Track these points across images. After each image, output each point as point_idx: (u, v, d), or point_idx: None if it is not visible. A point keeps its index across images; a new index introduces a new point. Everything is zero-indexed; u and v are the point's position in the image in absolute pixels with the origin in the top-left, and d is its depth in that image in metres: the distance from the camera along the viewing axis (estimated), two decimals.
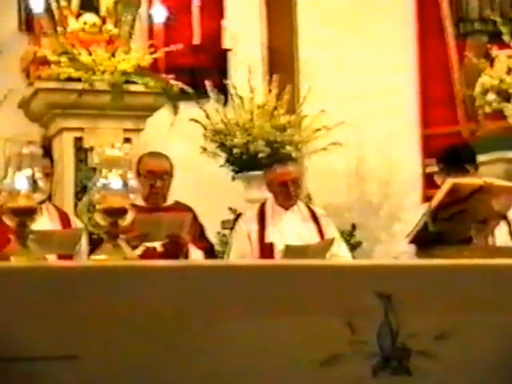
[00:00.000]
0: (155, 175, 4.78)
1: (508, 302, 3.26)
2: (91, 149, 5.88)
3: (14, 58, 6.34)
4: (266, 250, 4.85)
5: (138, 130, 6.16)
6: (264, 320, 3.04)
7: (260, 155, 6.20)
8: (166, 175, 4.84)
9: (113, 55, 6.01)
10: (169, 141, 6.07)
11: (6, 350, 2.86)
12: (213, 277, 3.10)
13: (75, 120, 6.06)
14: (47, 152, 5.70)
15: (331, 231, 4.98)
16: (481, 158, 5.36)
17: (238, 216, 5.75)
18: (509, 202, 4.09)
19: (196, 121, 6.28)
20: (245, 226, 5.00)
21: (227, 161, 6.34)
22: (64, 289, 2.94)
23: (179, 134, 6.24)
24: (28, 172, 3.17)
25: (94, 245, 4.15)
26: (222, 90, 6.58)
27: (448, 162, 4.73)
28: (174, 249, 4.52)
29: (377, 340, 3.11)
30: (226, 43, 6.92)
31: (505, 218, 4.23)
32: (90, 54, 5.95)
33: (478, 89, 6.28)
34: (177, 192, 5.02)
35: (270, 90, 6.42)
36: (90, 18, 6.11)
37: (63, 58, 5.91)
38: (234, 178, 6.39)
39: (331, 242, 4.75)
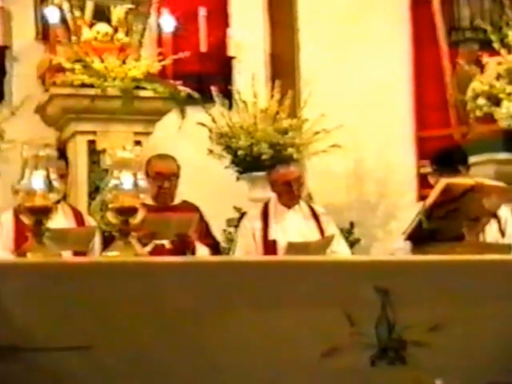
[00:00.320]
0: (163, 176, 4.78)
1: (499, 295, 3.25)
2: (103, 151, 5.88)
3: (30, 66, 6.35)
4: (270, 246, 4.84)
5: (148, 134, 6.16)
6: (267, 313, 3.03)
7: (263, 157, 6.19)
8: (173, 176, 4.84)
9: (124, 62, 6.01)
10: (177, 143, 6.06)
11: (23, 341, 2.86)
12: (219, 272, 3.10)
13: (88, 124, 6.06)
14: (62, 154, 5.70)
15: (331, 229, 4.97)
16: (472, 159, 5.35)
17: (242, 214, 5.75)
18: (499, 201, 4.08)
19: (202, 124, 6.27)
20: (249, 224, 5.00)
21: (232, 162, 6.33)
22: (78, 283, 2.94)
23: (187, 137, 6.23)
24: (44, 173, 3.17)
25: (107, 242, 4.16)
26: (227, 95, 6.57)
27: (441, 163, 4.73)
28: (182, 246, 4.53)
29: (375, 332, 3.11)
30: (231, 51, 6.91)
31: (495, 215, 4.22)
32: (103, 62, 5.95)
33: (469, 94, 6.27)
34: (184, 192, 5.02)
35: (272, 96, 6.41)
36: (102, 27, 6.12)
37: (77, 66, 5.91)
38: (238, 179, 6.39)
39: (331, 238, 4.74)
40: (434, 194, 3.89)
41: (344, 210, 6.74)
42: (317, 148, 6.33)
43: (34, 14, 6.51)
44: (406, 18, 7.23)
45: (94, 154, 6.04)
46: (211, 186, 6.26)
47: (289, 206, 4.96)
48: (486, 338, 3.25)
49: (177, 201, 4.89)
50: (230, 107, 6.49)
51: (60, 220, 4.44)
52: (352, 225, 6.60)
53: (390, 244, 4.97)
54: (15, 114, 6.02)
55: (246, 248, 4.90)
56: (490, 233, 4.31)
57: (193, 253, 4.58)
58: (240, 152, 6.25)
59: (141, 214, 3.23)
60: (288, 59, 7.06)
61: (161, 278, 3.01)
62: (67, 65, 5.91)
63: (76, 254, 4.24)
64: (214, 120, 6.30)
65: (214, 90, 6.47)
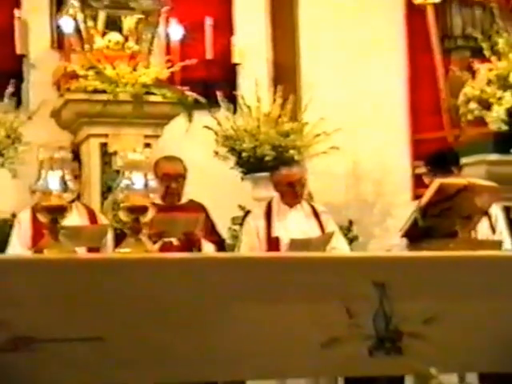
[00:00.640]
0: (170, 177, 4.78)
1: (490, 289, 3.25)
2: (115, 153, 5.87)
3: (46, 73, 6.35)
4: (273, 243, 4.83)
5: (157, 136, 6.16)
6: (271, 306, 3.03)
7: (266, 158, 6.18)
8: (180, 177, 4.83)
9: (134, 69, 6.01)
10: (184, 146, 6.05)
11: (39, 332, 2.86)
12: (224, 267, 3.10)
13: (101, 127, 6.05)
14: (76, 156, 5.72)
15: (331, 226, 4.96)
16: (464, 160, 5.34)
17: (246, 213, 5.74)
18: (490, 200, 4.07)
19: (209, 128, 6.26)
20: (253, 222, 4.99)
21: (237, 163, 6.32)
22: (91, 278, 2.94)
23: (193, 140, 6.22)
24: (59, 174, 3.17)
25: (118, 239, 4.16)
26: (232, 100, 6.57)
27: (435, 164, 4.72)
28: (189, 243, 4.52)
29: (372, 324, 3.11)
30: (236, 58, 6.90)
31: (486, 213, 4.21)
32: (114, 69, 5.95)
33: (461, 98, 6.25)
34: (192, 191, 5.01)
35: (274, 100, 6.40)
36: (114, 36, 6.11)
37: (90, 72, 5.91)
38: (242, 179, 6.37)
39: (331, 235, 4.74)
40: (428, 194, 3.88)
41: (343, 208, 6.72)
42: (317, 150, 6.32)
43: (49, 24, 6.52)
44: (401, 26, 7.22)
45: (106, 155, 6.03)
46: (217, 186, 6.25)
47: (291, 206, 4.95)
48: (477, 329, 3.24)
49: (184, 200, 4.88)
50: (235, 111, 6.49)
51: (74, 218, 4.44)
52: (350, 223, 6.58)
53: (387, 241, 4.96)
54: (32, 119, 6.02)
55: (250, 245, 4.89)
56: (481, 230, 4.30)
57: (199, 249, 4.57)
58: (244, 154, 6.24)
59: (150, 213, 3.23)
60: (289, 66, 7.05)
61: (169, 273, 3.01)
62: (81, 72, 5.90)
63: (89, 250, 4.24)
64: (219, 123, 6.29)
65: (219, 95, 6.47)
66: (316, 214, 4.97)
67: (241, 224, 5.54)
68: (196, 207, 4.85)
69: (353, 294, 3.07)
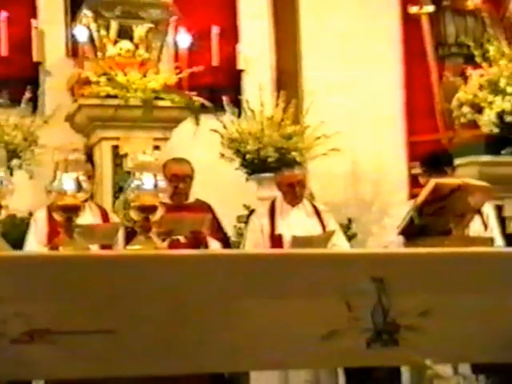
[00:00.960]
0: (178, 178, 4.77)
1: (483, 283, 3.24)
2: (126, 155, 5.87)
3: (61, 79, 6.34)
4: (276, 240, 4.83)
5: (166, 139, 6.15)
6: (274, 300, 3.02)
7: (269, 160, 6.17)
8: (187, 178, 4.82)
9: (144, 76, 6.00)
10: (192, 148, 6.04)
11: (55, 324, 2.86)
12: (229, 264, 3.09)
13: (112, 131, 6.05)
14: (89, 158, 5.73)
15: (331, 224, 4.95)
16: (457, 161, 5.33)
17: (251, 212, 5.73)
18: (482, 199, 4.06)
19: (215, 131, 6.25)
20: (257, 220, 4.98)
21: (241, 165, 6.31)
22: (104, 274, 2.93)
23: (200, 142, 6.21)
24: (73, 175, 3.16)
25: (129, 237, 4.15)
26: (237, 104, 6.56)
27: (430, 165, 4.71)
28: (196, 241, 4.52)
29: (371, 317, 3.10)
30: (240, 65, 6.89)
31: (479, 212, 4.20)
32: (125, 75, 5.94)
33: (454, 103, 6.24)
34: (199, 191, 5.01)
35: (277, 105, 6.39)
36: (125, 44, 6.11)
37: (102, 79, 5.90)
38: (247, 179, 6.36)
39: (332, 233, 4.73)
40: (424, 193, 3.87)
41: (342, 207, 6.71)
42: (318, 151, 6.31)
43: (64, 33, 6.52)
44: (398, 35, 7.21)
45: (118, 157, 6.03)
46: (223, 186, 6.24)
47: (293, 205, 4.94)
48: (470, 321, 3.23)
49: (191, 199, 4.87)
50: (240, 115, 6.48)
51: (88, 217, 4.44)
52: (350, 221, 6.57)
53: (384, 238, 4.94)
54: (48, 123, 6.02)
55: (254, 242, 4.89)
56: (474, 227, 4.29)
57: (206, 247, 4.57)
58: (248, 155, 6.23)
59: (159, 212, 3.23)
60: (291, 72, 7.04)
61: (178, 269, 3.00)
62: (94, 78, 5.90)
63: (102, 247, 4.24)
64: (225, 127, 6.28)
65: (224, 99, 6.46)
66: (317, 213, 4.96)
67: (245, 222, 5.53)
68: (203, 206, 4.84)
69: (352, 288, 3.06)
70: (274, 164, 6.03)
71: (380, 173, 6.98)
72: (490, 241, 4.04)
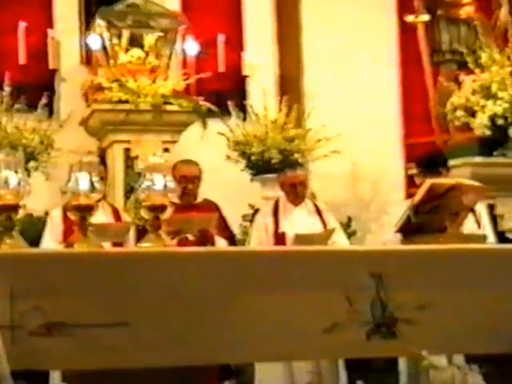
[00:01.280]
0: (187, 179, 4.77)
1: (476, 278, 3.23)
2: (137, 157, 5.88)
3: (76, 86, 6.35)
4: (280, 238, 4.82)
5: (174, 142, 6.15)
6: (278, 295, 3.02)
7: (273, 161, 6.17)
8: (195, 179, 4.82)
9: (154, 82, 6.00)
10: (199, 150, 6.04)
11: (70, 318, 2.86)
12: (235, 260, 3.09)
13: (124, 134, 6.05)
14: (102, 160, 5.75)
15: (332, 223, 4.95)
16: (451, 162, 5.31)
17: (256, 211, 5.73)
18: (476, 198, 4.05)
19: (221, 134, 6.25)
20: (262, 219, 4.98)
21: (246, 166, 6.31)
22: (117, 269, 2.94)
23: (208, 145, 6.21)
24: (87, 176, 3.16)
25: (140, 235, 4.16)
26: (242, 108, 6.55)
27: (425, 166, 4.70)
28: (203, 239, 4.51)
29: (370, 310, 3.09)
30: (245, 71, 6.89)
31: (472, 210, 4.19)
32: (136, 81, 5.95)
33: (449, 107, 6.24)
34: (206, 191, 5.00)
35: (280, 109, 6.39)
36: (136, 52, 6.11)
37: (114, 85, 5.91)
38: (252, 180, 6.36)
39: (332, 231, 4.72)
40: (420, 193, 3.86)
41: (342, 206, 6.70)
42: (319, 153, 6.30)
43: (79, 42, 6.52)
44: (395, 42, 7.21)
45: (129, 159, 6.03)
46: (229, 187, 6.23)
47: (295, 204, 4.94)
48: (465, 315, 3.22)
49: (199, 199, 4.87)
50: (245, 119, 6.48)
51: (101, 216, 4.44)
52: (349, 219, 6.56)
53: (383, 235, 4.94)
54: (63, 127, 6.04)
55: (259, 240, 4.88)
56: (467, 225, 4.28)
57: (212, 244, 4.56)
58: (253, 157, 6.23)
59: (169, 211, 3.23)
60: (294, 78, 7.04)
61: (186, 265, 3.00)
62: (106, 84, 5.91)
63: (114, 244, 4.24)
64: (230, 130, 6.28)
65: (230, 104, 6.45)
66: (319, 212, 4.96)
67: (250, 221, 5.53)
68: (210, 205, 4.84)
69: (352, 283, 3.06)
70: (278, 165, 6.02)
71: (378, 173, 6.97)
72: (482, 238, 4.03)
